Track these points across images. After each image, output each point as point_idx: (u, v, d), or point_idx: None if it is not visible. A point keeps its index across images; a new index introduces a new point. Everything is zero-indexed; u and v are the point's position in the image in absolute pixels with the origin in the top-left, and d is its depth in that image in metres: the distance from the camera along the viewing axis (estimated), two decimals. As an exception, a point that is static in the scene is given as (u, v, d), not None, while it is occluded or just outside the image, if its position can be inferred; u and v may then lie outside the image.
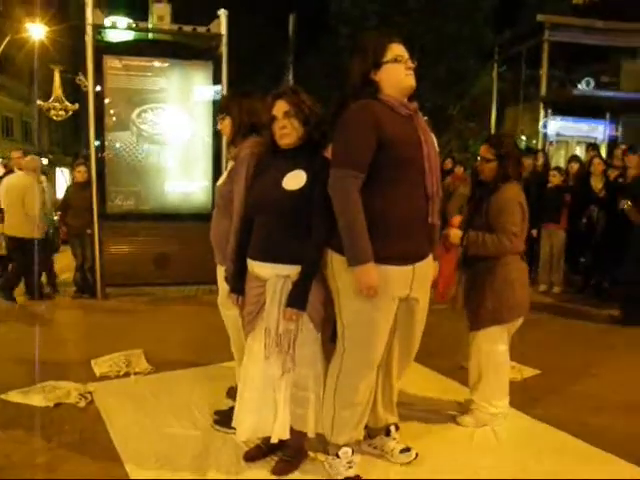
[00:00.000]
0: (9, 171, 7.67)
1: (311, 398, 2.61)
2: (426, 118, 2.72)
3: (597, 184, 6.75)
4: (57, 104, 18.89)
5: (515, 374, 4.08)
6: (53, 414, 3.39)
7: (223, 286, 2.84)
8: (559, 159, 10.12)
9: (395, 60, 2.44)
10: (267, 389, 2.58)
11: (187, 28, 6.81)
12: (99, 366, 4.20)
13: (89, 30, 6.39)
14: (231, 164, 2.85)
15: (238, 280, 2.66)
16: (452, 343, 4.11)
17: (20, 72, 25.55)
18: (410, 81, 2.47)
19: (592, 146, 9.02)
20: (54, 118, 19.83)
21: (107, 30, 6.81)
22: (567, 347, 4.87)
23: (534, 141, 9.83)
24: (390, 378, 2.74)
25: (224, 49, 6.78)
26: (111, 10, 12.47)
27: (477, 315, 3.16)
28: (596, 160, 6.94)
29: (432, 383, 3.90)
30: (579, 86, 11.84)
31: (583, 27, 9.98)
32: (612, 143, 10.13)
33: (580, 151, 10.34)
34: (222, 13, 6.80)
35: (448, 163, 8.59)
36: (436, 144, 2.62)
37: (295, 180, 2.45)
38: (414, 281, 2.51)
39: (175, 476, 2.67)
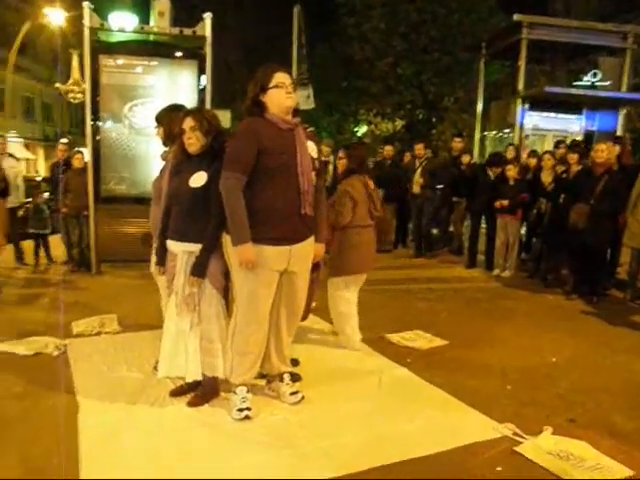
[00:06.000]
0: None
1: (218, 348, 3.37)
2: (312, 129, 3.43)
3: (547, 178, 7.33)
4: (75, 87, 19.58)
5: (423, 343, 4.79)
6: (31, 360, 4.23)
7: (153, 259, 3.60)
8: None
9: (277, 86, 3.13)
10: (179, 339, 3.36)
11: (174, 30, 7.52)
12: (77, 326, 5.03)
13: (86, 32, 7.16)
14: (162, 164, 3.60)
15: (161, 255, 3.42)
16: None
17: (40, 55, 26.52)
18: (289, 102, 3.17)
19: (562, 143, 9.31)
20: (72, 101, 20.59)
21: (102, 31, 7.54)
22: (486, 323, 5.49)
23: (511, 134, 10.39)
24: (280, 334, 3.48)
25: (208, 49, 7.45)
26: (115, 6, 13.20)
27: (329, 268, 4.51)
28: (546, 156, 7.49)
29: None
30: (585, 78, 12.30)
31: (561, 26, 10.44)
32: (589, 137, 10.64)
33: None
34: (207, 16, 7.46)
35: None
36: (315, 151, 3.34)
37: (198, 179, 3.19)
38: (291, 258, 3.23)
39: (112, 405, 3.47)
